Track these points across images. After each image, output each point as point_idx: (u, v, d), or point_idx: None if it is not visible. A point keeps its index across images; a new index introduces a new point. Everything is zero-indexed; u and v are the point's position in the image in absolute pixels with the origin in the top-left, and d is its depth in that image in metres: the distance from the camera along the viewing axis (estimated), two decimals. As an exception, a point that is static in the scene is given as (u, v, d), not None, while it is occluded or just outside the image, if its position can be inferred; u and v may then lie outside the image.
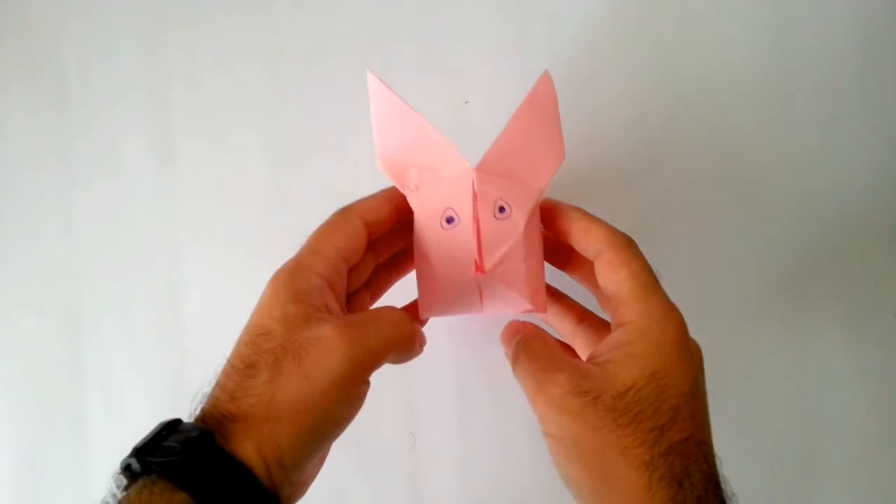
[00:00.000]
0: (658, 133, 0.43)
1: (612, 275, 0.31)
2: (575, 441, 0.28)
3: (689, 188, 0.43)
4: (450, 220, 0.32)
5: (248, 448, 0.26)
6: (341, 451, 0.34)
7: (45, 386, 0.46)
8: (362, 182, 0.44)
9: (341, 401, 0.28)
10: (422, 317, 0.35)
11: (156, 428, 0.27)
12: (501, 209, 0.32)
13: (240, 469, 0.26)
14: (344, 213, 0.33)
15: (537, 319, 0.38)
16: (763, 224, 0.42)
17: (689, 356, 0.29)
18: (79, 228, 0.46)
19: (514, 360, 0.32)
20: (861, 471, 0.41)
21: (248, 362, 0.28)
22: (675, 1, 0.44)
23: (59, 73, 0.47)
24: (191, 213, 0.46)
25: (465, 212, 0.32)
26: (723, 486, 0.28)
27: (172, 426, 0.27)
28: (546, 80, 0.32)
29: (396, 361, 0.32)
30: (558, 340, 0.36)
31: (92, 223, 0.46)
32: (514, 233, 0.32)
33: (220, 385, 0.29)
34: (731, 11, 0.44)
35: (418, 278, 0.34)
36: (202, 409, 0.28)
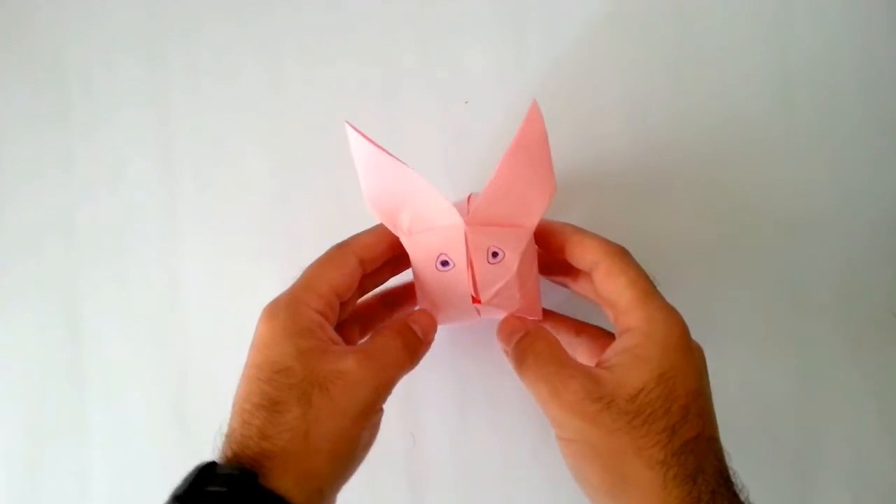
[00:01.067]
0: (657, 133, 0.43)
1: (611, 284, 0.32)
2: (590, 444, 0.29)
3: (688, 188, 0.43)
4: (444, 264, 0.33)
5: (289, 482, 0.28)
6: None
7: (46, 386, 0.46)
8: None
9: (367, 427, 0.31)
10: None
11: (192, 473, 0.28)
12: (494, 254, 0.33)
13: None
14: (340, 249, 0.34)
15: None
16: (763, 224, 0.42)
17: (693, 356, 0.30)
18: (80, 233, 0.46)
19: (520, 362, 0.32)
20: (861, 470, 0.41)
21: (273, 399, 0.29)
22: (676, 0, 0.44)
23: (60, 79, 0.47)
24: (191, 218, 0.46)
25: (458, 257, 0.33)
26: (733, 480, 0.29)
27: (208, 470, 0.28)
28: (534, 112, 0.31)
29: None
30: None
31: (93, 228, 0.46)
32: (508, 273, 0.33)
33: (244, 423, 0.29)
34: (731, 11, 0.44)
35: (419, 296, 0.35)
36: (232, 450, 0.29)
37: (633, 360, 0.29)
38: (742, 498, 0.29)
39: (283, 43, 0.46)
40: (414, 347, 0.33)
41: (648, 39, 0.44)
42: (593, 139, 0.43)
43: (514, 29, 0.44)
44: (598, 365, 0.31)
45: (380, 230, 0.35)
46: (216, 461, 0.29)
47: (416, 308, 0.36)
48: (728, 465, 0.29)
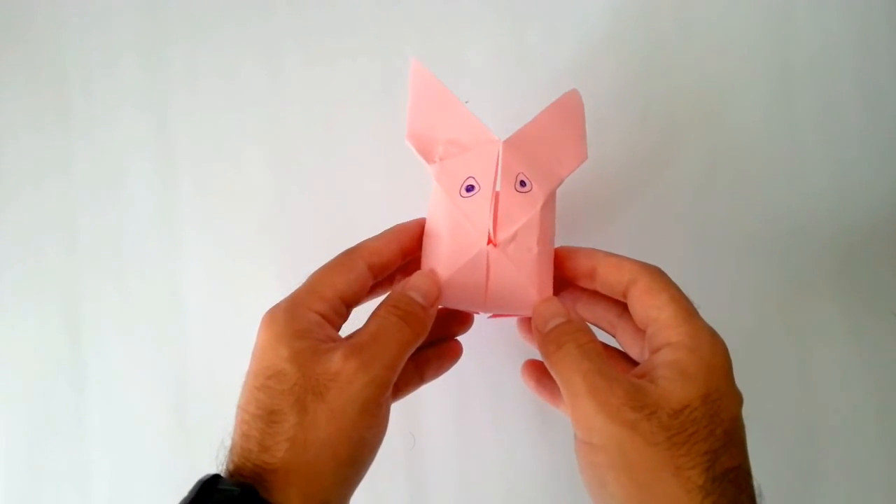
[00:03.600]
0: (657, 133, 0.43)
1: (652, 300, 0.30)
2: (622, 453, 0.27)
3: (688, 188, 0.43)
4: (469, 189, 0.32)
5: (293, 495, 0.27)
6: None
7: (46, 386, 0.46)
8: (363, 185, 0.45)
9: (371, 425, 0.29)
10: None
11: (194, 489, 0.27)
12: (522, 183, 0.32)
13: None
14: (348, 255, 0.32)
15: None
16: (762, 225, 0.42)
17: (733, 382, 0.29)
18: (80, 233, 0.46)
19: (557, 347, 0.30)
20: (862, 470, 0.41)
21: (268, 408, 0.28)
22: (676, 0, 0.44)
23: (60, 80, 0.47)
24: (191, 218, 0.46)
25: (486, 179, 0.32)
26: None
27: (210, 486, 0.27)
28: (575, 93, 0.34)
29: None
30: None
31: (93, 228, 0.46)
32: (532, 208, 0.31)
33: (244, 435, 0.28)
34: (731, 9, 0.44)
35: (423, 259, 0.33)
36: (234, 464, 0.28)
37: (677, 375, 0.27)
38: None
39: (283, 43, 0.46)
40: (416, 317, 0.30)
41: (648, 38, 0.44)
42: (593, 139, 0.43)
43: (514, 28, 0.44)
44: (634, 375, 0.29)
45: (388, 234, 0.33)
46: (220, 474, 0.28)
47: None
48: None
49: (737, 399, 0.28)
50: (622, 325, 0.34)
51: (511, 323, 0.43)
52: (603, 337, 0.32)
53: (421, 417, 0.42)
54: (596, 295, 0.34)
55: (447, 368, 0.37)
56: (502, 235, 0.31)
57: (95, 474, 0.45)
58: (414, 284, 0.31)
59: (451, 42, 0.45)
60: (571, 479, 0.41)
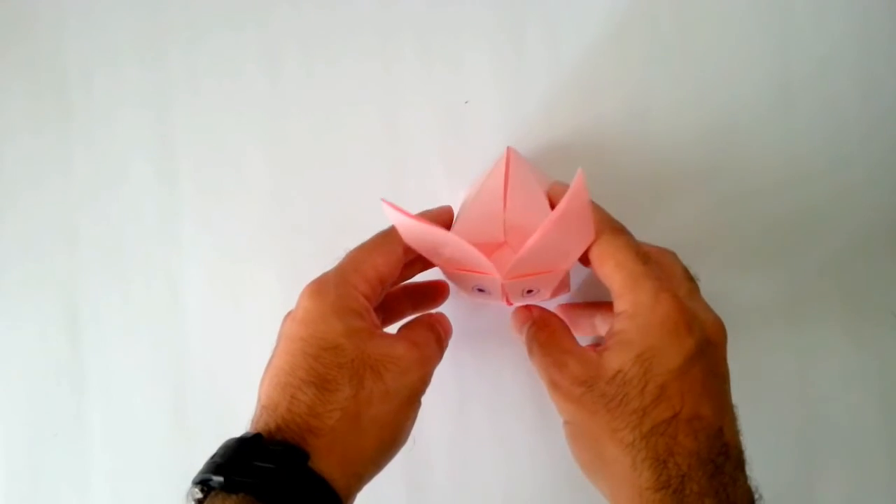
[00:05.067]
0: (657, 133, 0.43)
1: (601, 268, 0.31)
2: (577, 425, 0.30)
3: (688, 188, 0.43)
4: (481, 290, 0.34)
5: (333, 463, 0.28)
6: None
7: (46, 386, 0.46)
8: (363, 185, 0.45)
9: (412, 416, 0.32)
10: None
11: (233, 444, 0.28)
12: (529, 291, 0.34)
13: (326, 489, 0.27)
14: (386, 236, 0.33)
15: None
16: (762, 224, 0.42)
17: (681, 334, 0.29)
18: (80, 234, 0.46)
19: (529, 352, 0.34)
20: (862, 470, 0.41)
21: (322, 376, 0.29)
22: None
23: (60, 80, 0.47)
24: (191, 218, 0.46)
25: (494, 291, 0.34)
26: (716, 460, 0.28)
27: (253, 442, 0.27)
28: (579, 184, 0.28)
29: None
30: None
31: (93, 228, 0.46)
32: (541, 300, 0.35)
33: (292, 398, 0.29)
34: (732, 10, 0.44)
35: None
36: (277, 424, 0.28)
37: (616, 344, 0.29)
38: (728, 478, 0.27)
39: (283, 43, 0.46)
40: (441, 346, 0.34)
41: (649, 39, 0.44)
42: (593, 139, 0.43)
43: (514, 29, 0.44)
44: (599, 348, 0.31)
45: (425, 217, 0.34)
46: (260, 433, 0.28)
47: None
48: (717, 443, 0.28)
49: (678, 349, 0.28)
50: None
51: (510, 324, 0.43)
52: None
53: (421, 417, 0.42)
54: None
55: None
56: (517, 303, 0.36)
57: (95, 474, 0.45)
58: (440, 321, 0.36)
59: (451, 42, 0.45)
60: (571, 479, 0.41)
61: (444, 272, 0.35)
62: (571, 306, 0.39)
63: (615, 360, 0.29)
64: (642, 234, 0.43)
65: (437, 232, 0.30)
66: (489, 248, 0.31)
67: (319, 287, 0.31)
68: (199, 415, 0.44)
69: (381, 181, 0.44)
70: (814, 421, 0.41)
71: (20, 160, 0.47)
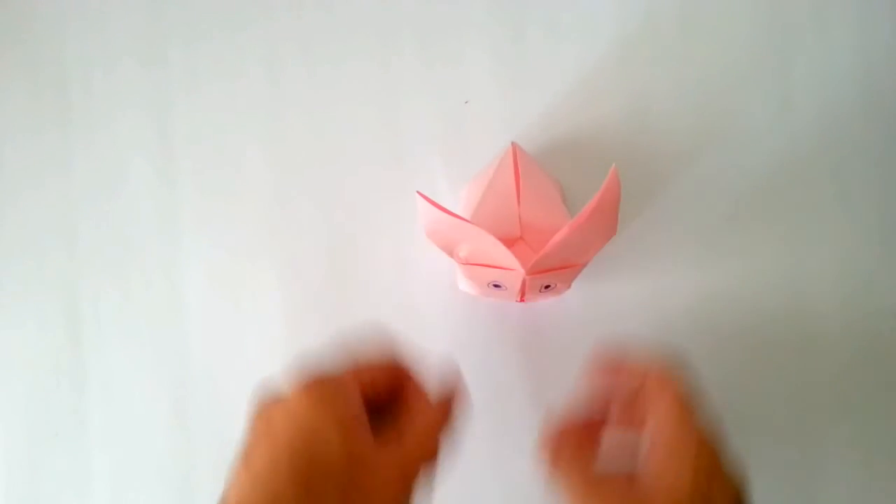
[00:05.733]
0: (657, 133, 0.43)
1: (649, 402, 0.31)
2: None
3: (688, 188, 0.43)
4: (497, 286, 0.35)
5: None
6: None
7: (46, 387, 0.46)
8: (363, 185, 0.45)
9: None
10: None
11: None
12: (547, 286, 0.34)
13: None
14: (384, 351, 0.32)
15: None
16: (762, 227, 0.43)
17: (724, 476, 0.29)
18: (80, 234, 0.46)
19: (557, 473, 0.32)
20: (862, 470, 0.41)
21: (308, 484, 0.27)
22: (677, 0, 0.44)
23: (60, 80, 0.47)
24: (191, 218, 0.46)
25: (512, 287, 0.34)
26: None
27: None
28: (613, 180, 0.30)
29: None
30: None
31: (93, 229, 0.46)
32: (557, 295, 0.37)
33: (274, 494, 0.27)
34: (733, 12, 0.44)
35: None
36: None
37: (662, 478, 0.29)
38: None
39: (283, 43, 0.46)
40: (444, 432, 0.32)
41: (649, 39, 0.44)
42: (593, 139, 0.43)
43: (514, 29, 0.44)
44: (628, 476, 0.30)
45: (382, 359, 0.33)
46: None
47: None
48: None
49: (726, 492, 0.28)
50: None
51: (510, 326, 0.43)
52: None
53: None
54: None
55: None
56: (531, 300, 0.36)
57: (95, 474, 0.45)
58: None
59: (451, 42, 0.45)
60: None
61: (461, 266, 0.35)
62: (573, 430, 0.35)
63: (666, 497, 0.28)
64: (642, 235, 0.43)
65: (467, 227, 0.31)
66: (505, 244, 0.31)
67: (318, 388, 0.29)
68: (199, 415, 0.44)
69: (381, 181, 0.44)
70: (813, 420, 0.41)
71: (20, 160, 0.47)
